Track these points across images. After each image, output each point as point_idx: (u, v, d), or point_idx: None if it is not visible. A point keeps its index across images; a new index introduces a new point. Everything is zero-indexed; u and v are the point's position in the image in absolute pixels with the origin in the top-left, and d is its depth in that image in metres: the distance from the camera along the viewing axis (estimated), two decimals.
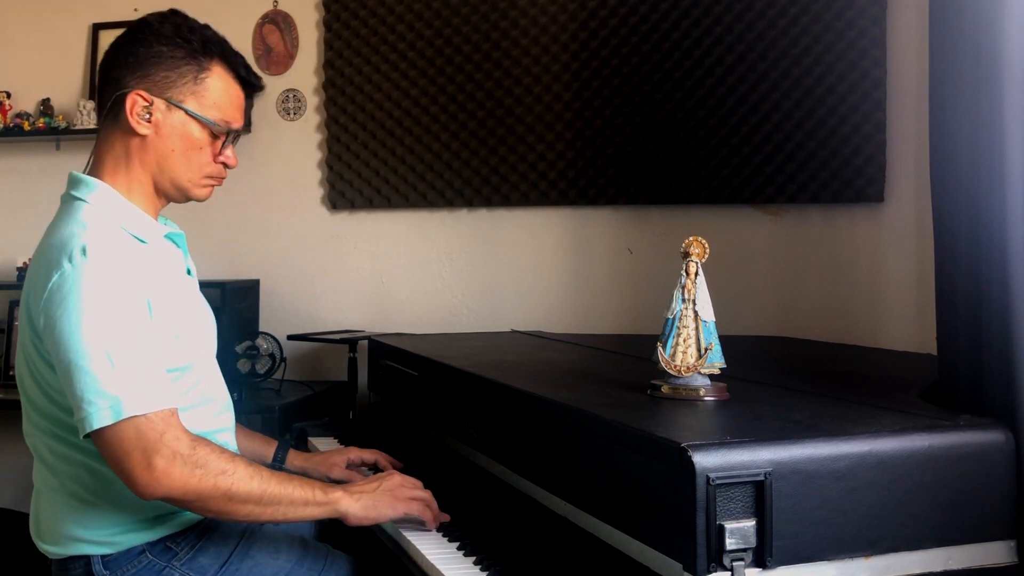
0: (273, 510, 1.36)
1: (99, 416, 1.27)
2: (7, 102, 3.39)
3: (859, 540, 1.15)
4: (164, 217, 1.59)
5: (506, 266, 3.06)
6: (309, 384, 2.94)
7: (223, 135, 1.51)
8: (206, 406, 1.54)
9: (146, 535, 1.46)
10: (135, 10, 3.33)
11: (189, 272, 1.59)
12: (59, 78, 3.41)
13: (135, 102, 1.45)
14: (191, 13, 1.53)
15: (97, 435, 1.29)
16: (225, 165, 1.54)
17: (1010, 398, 1.30)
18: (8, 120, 3.36)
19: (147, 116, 1.46)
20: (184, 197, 1.54)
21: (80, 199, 1.45)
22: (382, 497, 1.45)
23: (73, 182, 1.49)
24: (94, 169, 1.51)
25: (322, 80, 3.15)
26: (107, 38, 3.36)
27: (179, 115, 1.47)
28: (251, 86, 1.56)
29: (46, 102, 3.33)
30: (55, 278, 1.33)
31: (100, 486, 1.41)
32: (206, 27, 1.52)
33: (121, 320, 1.32)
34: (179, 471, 1.29)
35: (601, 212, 2.96)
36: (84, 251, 1.33)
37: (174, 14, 1.52)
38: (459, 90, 3.01)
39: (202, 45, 1.49)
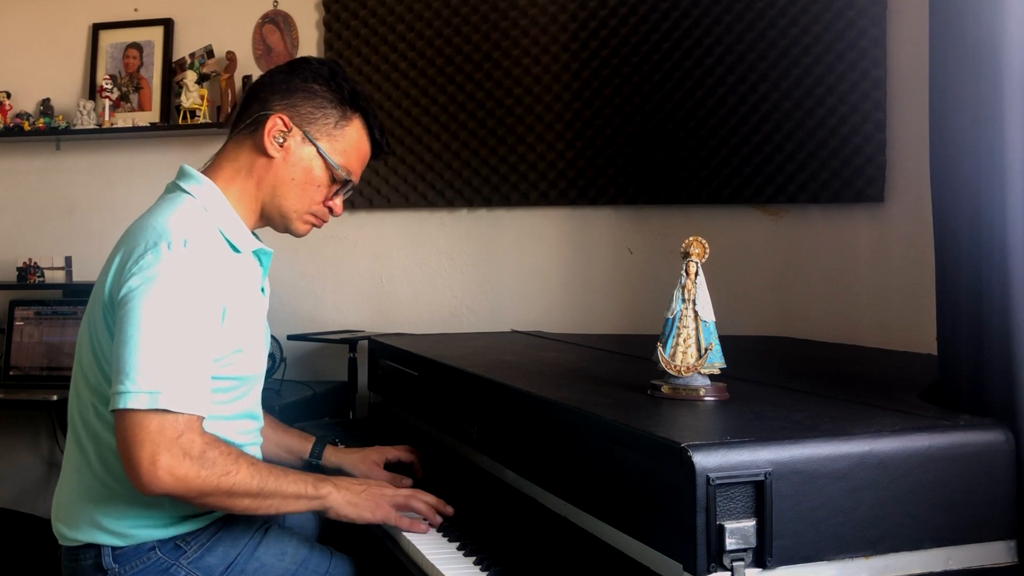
0: (268, 504, 1.42)
1: (135, 397, 1.30)
2: (7, 102, 3.39)
3: (859, 540, 1.15)
4: (255, 233, 1.62)
5: (506, 266, 3.06)
6: (309, 384, 2.94)
7: (340, 182, 1.58)
8: (246, 420, 1.58)
9: (160, 532, 1.47)
10: (135, 10, 3.33)
11: (263, 291, 1.62)
12: (59, 78, 3.41)
13: (274, 124, 1.53)
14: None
15: (122, 414, 1.31)
16: (331, 211, 1.61)
17: (1010, 398, 1.30)
18: (8, 120, 3.36)
19: (281, 140, 1.53)
20: (284, 227, 1.62)
21: (186, 191, 1.51)
22: (366, 499, 1.51)
23: (182, 174, 1.55)
24: (210, 170, 1.56)
25: None
26: (107, 38, 3.36)
27: (310, 150, 1.55)
28: (380, 149, 1.64)
29: (46, 102, 3.33)
30: (149, 256, 1.37)
31: (124, 474, 1.42)
32: (358, 83, 1.61)
33: (193, 319, 1.36)
34: (184, 471, 1.31)
35: (601, 212, 2.96)
36: (185, 243, 1.39)
37: (334, 62, 1.61)
38: (459, 90, 3.01)
39: (351, 96, 1.58)
